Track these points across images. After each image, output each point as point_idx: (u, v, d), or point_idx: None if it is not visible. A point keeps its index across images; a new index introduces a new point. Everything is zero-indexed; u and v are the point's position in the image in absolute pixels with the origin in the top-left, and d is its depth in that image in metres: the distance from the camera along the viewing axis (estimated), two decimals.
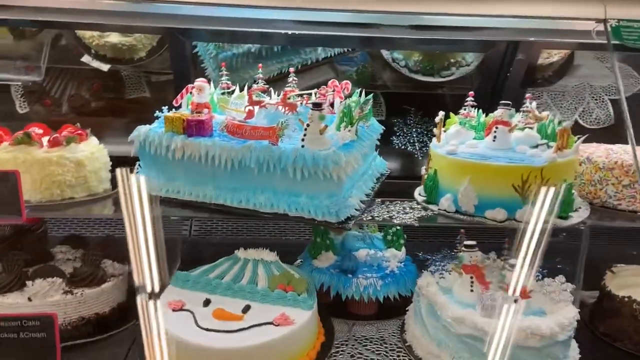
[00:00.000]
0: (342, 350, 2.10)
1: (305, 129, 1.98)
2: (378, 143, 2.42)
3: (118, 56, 3.01)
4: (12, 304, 2.01)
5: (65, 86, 3.39)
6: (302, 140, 1.98)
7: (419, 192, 2.39)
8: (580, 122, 3.40)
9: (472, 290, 1.99)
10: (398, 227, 2.59)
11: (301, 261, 2.56)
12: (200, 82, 2.29)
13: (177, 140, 2.06)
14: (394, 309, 2.35)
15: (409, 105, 3.36)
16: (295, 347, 1.83)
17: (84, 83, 3.39)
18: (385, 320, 2.34)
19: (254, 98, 2.26)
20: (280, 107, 2.21)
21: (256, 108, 2.25)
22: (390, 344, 2.16)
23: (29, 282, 2.06)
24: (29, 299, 2.01)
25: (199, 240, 3.12)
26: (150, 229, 1.68)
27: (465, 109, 2.38)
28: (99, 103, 3.41)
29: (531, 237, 2.03)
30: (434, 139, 2.35)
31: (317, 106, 1.98)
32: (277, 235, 3.32)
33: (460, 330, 1.85)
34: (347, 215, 1.97)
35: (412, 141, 3.34)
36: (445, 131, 2.36)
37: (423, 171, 2.40)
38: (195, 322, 1.84)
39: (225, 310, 1.87)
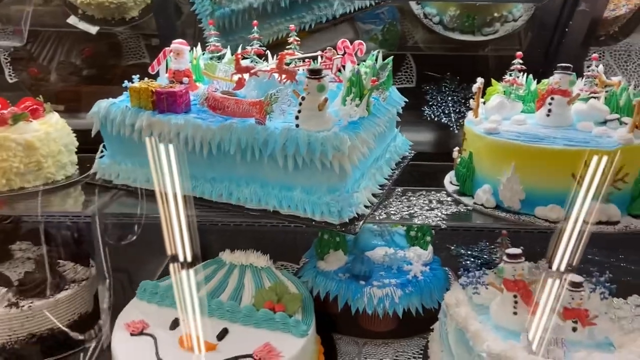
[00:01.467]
0: None
1: (300, 104, 1.54)
2: (399, 119, 1.95)
3: (107, 16, 2.65)
4: None
5: (54, 52, 3.07)
6: (296, 118, 1.55)
7: (450, 180, 1.93)
8: None
9: (515, 314, 1.54)
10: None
11: (305, 261, 2.15)
12: (177, 44, 1.87)
13: (142, 117, 1.66)
14: (416, 325, 1.91)
15: (444, 70, 2.87)
16: None
17: (74, 48, 3.06)
18: (405, 340, 1.91)
19: (242, 63, 1.82)
20: (275, 75, 1.78)
21: (246, 76, 1.82)
22: None
23: None
24: None
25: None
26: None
27: (511, 75, 1.88)
28: (91, 71, 3.07)
29: (594, 243, 1.57)
30: (470, 113, 1.88)
31: (314, 73, 1.52)
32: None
33: None
34: (352, 215, 1.54)
35: (447, 112, 2.87)
36: (484, 103, 1.88)
37: (455, 154, 1.93)
38: (156, 352, 1.46)
39: (195, 338, 1.48)
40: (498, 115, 1.79)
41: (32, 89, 2.88)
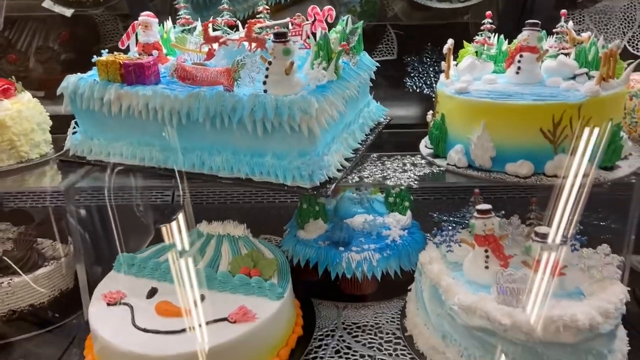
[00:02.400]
0: (325, 344, 1.71)
1: (267, 69, 1.54)
2: (371, 84, 1.95)
3: None
4: None
5: (32, 38, 3.04)
6: (264, 83, 1.54)
7: (425, 144, 1.94)
8: (630, 49, 2.83)
9: (487, 268, 1.56)
10: (401, 187, 2.14)
11: (288, 231, 2.16)
12: (145, 16, 1.86)
13: (110, 90, 1.65)
14: (396, 287, 1.93)
15: (424, 40, 2.85)
16: (259, 348, 1.46)
17: (51, 33, 3.03)
18: (384, 302, 1.93)
19: (212, 33, 1.81)
20: (245, 44, 1.77)
21: (216, 46, 1.81)
22: (387, 334, 1.76)
23: None
24: None
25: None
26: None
27: (481, 35, 1.86)
28: (69, 55, 3.04)
29: (566, 196, 1.59)
30: (442, 76, 1.88)
31: (279, 37, 1.52)
32: (273, 197, 2.91)
33: (470, 322, 1.43)
34: (324, 178, 1.55)
35: (428, 82, 2.86)
36: (457, 65, 1.87)
37: (429, 117, 1.94)
38: (132, 319, 1.48)
39: (172, 304, 1.50)
40: (469, 75, 1.79)
41: (11, 76, 2.87)
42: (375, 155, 1.86)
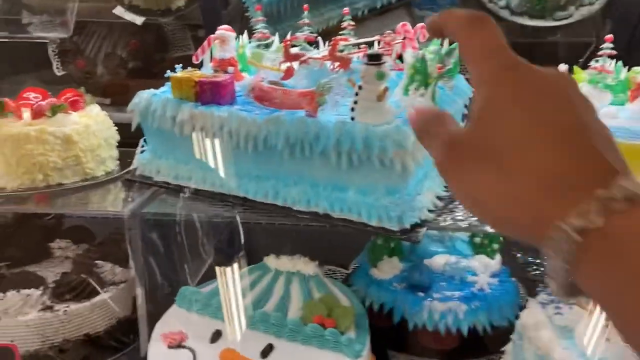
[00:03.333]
0: None
1: (357, 94, 1.36)
2: (465, 111, 1.73)
3: (152, 6, 2.58)
4: None
5: (101, 44, 3.04)
6: (352, 110, 1.36)
7: None
8: None
9: (608, 340, 1.30)
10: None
11: (356, 266, 1.97)
12: (223, 30, 1.74)
13: (184, 109, 1.53)
14: (483, 344, 1.70)
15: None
16: None
17: (120, 40, 3.02)
18: None
19: (291, 51, 1.66)
20: (327, 64, 1.61)
21: (296, 65, 1.66)
22: None
23: None
24: None
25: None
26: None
27: (597, 61, 1.62)
28: (137, 63, 3.03)
29: None
30: None
31: (373, 59, 1.34)
32: None
33: None
34: (415, 221, 1.35)
35: None
36: None
37: None
38: None
39: (238, 353, 1.34)
40: None
41: (79, 82, 2.86)
42: None
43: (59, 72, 2.99)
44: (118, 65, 2.99)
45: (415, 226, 1.35)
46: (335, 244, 2.40)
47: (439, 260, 1.89)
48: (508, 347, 1.58)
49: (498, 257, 1.90)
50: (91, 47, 3.02)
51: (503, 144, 0.54)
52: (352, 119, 1.36)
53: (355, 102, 1.36)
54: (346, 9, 1.89)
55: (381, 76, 1.34)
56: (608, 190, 0.47)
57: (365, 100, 1.35)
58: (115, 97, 2.80)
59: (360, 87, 1.36)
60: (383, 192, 1.35)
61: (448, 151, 0.61)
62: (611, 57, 1.63)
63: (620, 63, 1.67)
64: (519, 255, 2.34)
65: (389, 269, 1.87)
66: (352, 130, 1.32)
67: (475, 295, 1.73)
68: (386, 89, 1.34)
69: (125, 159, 1.89)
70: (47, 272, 1.82)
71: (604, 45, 1.61)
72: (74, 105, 1.75)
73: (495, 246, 1.90)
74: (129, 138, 2.05)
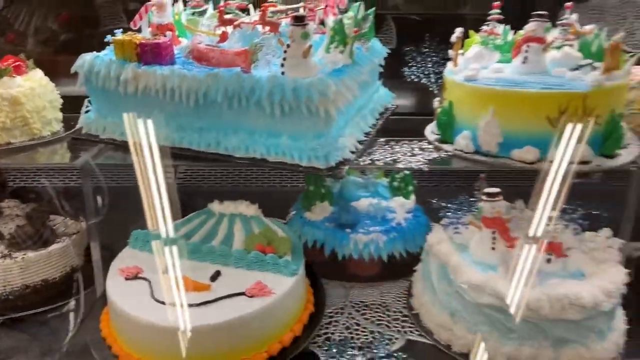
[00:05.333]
0: (335, 321, 1.77)
1: (285, 52, 1.57)
2: (381, 69, 1.99)
3: None
4: None
5: (31, 17, 3.02)
6: (282, 65, 1.57)
7: (431, 130, 1.99)
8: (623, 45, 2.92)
9: (493, 249, 1.62)
10: (406, 172, 2.20)
11: (293, 213, 2.20)
12: None
13: (128, 69, 1.67)
14: (400, 268, 1.99)
15: (423, 30, 2.90)
16: (275, 322, 1.50)
17: (50, 13, 3.02)
18: (390, 282, 1.99)
19: (226, 16, 1.83)
20: (258, 27, 1.80)
21: (230, 29, 1.83)
22: (395, 311, 1.82)
23: None
24: None
25: (184, 189, 2.77)
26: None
27: (488, 25, 1.92)
28: (68, 35, 3.03)
29: (568, 182, 1.65)
30: (450, 64, 1.92)
31: (298, 20, 1.55)
32: (275, 182, 2.95)
33: (479, 299, 1.49)
34: (338, 159, 1.59)
35: (426, 72, 2.91)
36: (463, 54, 1.92)
37: (436, 104, 1.99)
38: (151, 293, 1.51)
39: (189, 278, 1.53)
40: (477, 64, 1.83)
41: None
42: (383, 140, 1.91)
43: None
44: (49, 38, 2.99)
45: (339, 164, 1.59)
46: (274, 201, 2.62)
47: (364, 203, 2.17)
48: (419, 266, 1.89)
49: (413, 197, 2.20)
50: (21, 20, 3.00)
51: None
52: (283, 73, 1.57)
53: (285, 59, 1.57)
54: None
55: (305, 36, 1.55)
56: None
57: (293, 57, 1.56)
58: (46, 69, 2.82)
59: (288, 46, 1.57)
60: (311, 136, 1.58)
61: None
62: (499, 21, 1.92)
63: (507, 27, 1.98)
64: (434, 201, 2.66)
65: (320, 211, 2.12)
66: (283, 82, 1.52)
67: (394, 228, 2.02)
68: (310, 47, 1.55)
69: (69, 124, 1.98)
70: (1, 227, 1.92)
71: (492, 12, 1.91)
72: (18, 70, 1.83)
73: (410, 188, 2.20)
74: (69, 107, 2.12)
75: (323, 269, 1.99)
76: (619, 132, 1.68)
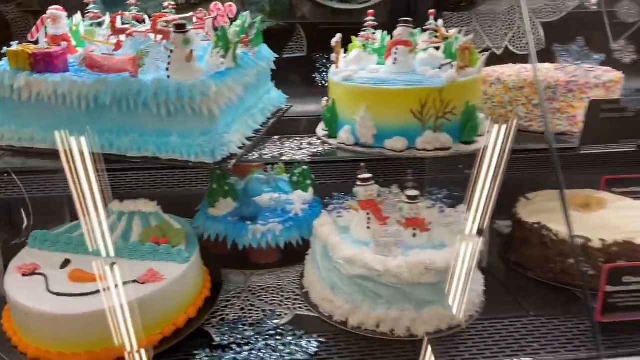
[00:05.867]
0: (231, 304, 1.91)
1: (169, 56, 1.70)
2: (269, 72, 2.16)
3: None
4: None
5: None
6: (167, 69, 1.71)
7: (321, 127, 2.17)
8: (511, 48, 3.26)
9: (368, 228, 1.82)
10: (304, 167, 2.38)
11: (199, 211, 2.33)
12: (53, 10, 1.96)
13: (20, 77, 1.75)
14: (297, 255, 2.16)
15: (331, 38, 3.10)
16: (167, 305, 1.62)
17: None
18: (287, 268, 2.16)
19: (117, 25, 1.95)
20: (151, 36, 1.93)
21: (123, 38, 1.95)
22: (288, 292, 1.99)
23: None
24: None
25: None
26: None
27: (365, 31, 2.13)
28: None
29: (431, 166, 1.88)
30: (332, 66, 2.12)
31: (179, 28, 1.69)
32: (198, 184, 3.03)
33: (352, 271, 1.68)
34: (225, 154, 1.73)
35: None
36: (346, 57, 2.13)
37: (323, 103, 2.18)
38: (47, 286, 1.60)
39: (84, 271, 1.63)
40: (356, 66, 2.04)
41: None
42: (276, 137, 2.07)
43: None
44: None
45: (227, 158, 1.74)
46: (181, 204, 2.72)
47: (266, 197, 2.33)
48: (310, 249, 2.06)
49: (311, 190, 2.37)
50: None
51: None
52: (168, 77, 1.71)
53: (169, 63, 1.71)
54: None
55: (187, 42, 1.69)
56: None
57: (177, 61, 1.70)
58: None
59: (171, 51, 1.71)
60: (198, 134, 1.72)
61: None
62: (374, 27, 2.14)
63: (384, 32, 2.20)
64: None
65: (224, 207, 2.26)
66: (167, 84, 1.66)
67: (290, 218, 2.19)
68: (192, 52, 1.70)
69: None
70: None
71: (367, 18, 2.12)
72: None
73: (308, 182, 2.38)
74: None
75: (226, 260, 2.12)
76: (475, 121, 1.92)
